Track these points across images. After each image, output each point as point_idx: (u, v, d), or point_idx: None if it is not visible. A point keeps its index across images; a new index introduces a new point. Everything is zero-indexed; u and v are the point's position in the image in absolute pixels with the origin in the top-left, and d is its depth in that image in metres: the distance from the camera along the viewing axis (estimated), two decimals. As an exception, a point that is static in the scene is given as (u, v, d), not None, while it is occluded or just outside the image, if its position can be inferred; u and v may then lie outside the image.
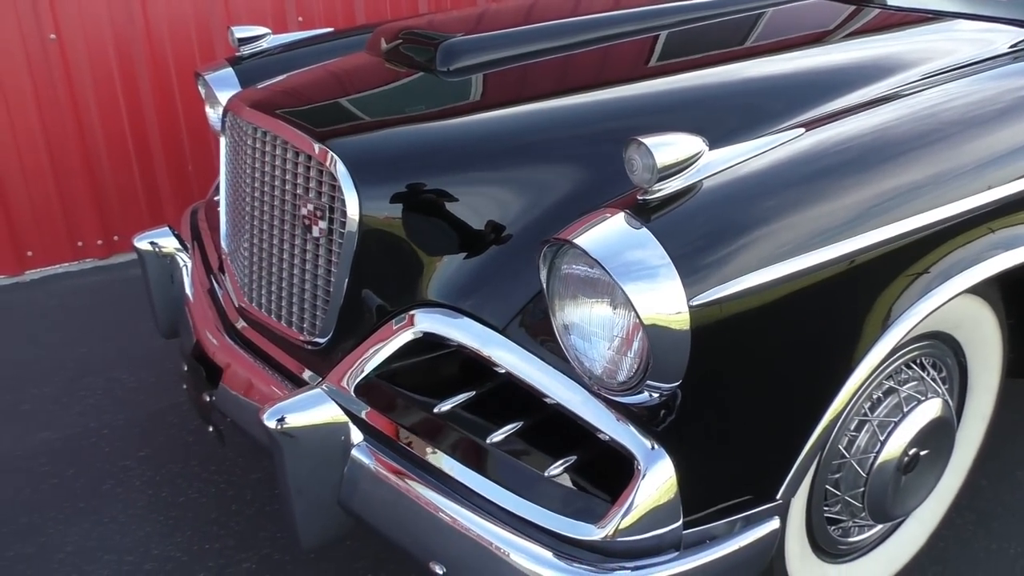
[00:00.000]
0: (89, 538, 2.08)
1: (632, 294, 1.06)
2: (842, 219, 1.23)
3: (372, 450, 1.40)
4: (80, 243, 3.67)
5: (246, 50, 2.45)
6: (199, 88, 2.49)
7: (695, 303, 1.09)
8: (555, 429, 1.36)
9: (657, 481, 1.17)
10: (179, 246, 2.18)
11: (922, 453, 1.50)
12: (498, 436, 1.35)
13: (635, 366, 1.12)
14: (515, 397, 1.42)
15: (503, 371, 1.36)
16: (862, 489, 1.47)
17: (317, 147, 1.49)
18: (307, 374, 1.60)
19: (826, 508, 1.54)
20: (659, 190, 1.15)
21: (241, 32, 2.42)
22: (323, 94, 1.74)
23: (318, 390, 1.41)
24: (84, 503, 2.20)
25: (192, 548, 2.03)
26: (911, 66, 1.69)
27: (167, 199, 3.77)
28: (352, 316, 1.53)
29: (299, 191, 1.56)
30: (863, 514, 1.52)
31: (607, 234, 1.12)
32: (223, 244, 2.00)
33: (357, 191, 1.45)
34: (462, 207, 1.48)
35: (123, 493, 2.23)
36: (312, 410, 1.38)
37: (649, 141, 1.11)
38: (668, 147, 1.12)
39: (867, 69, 1.68)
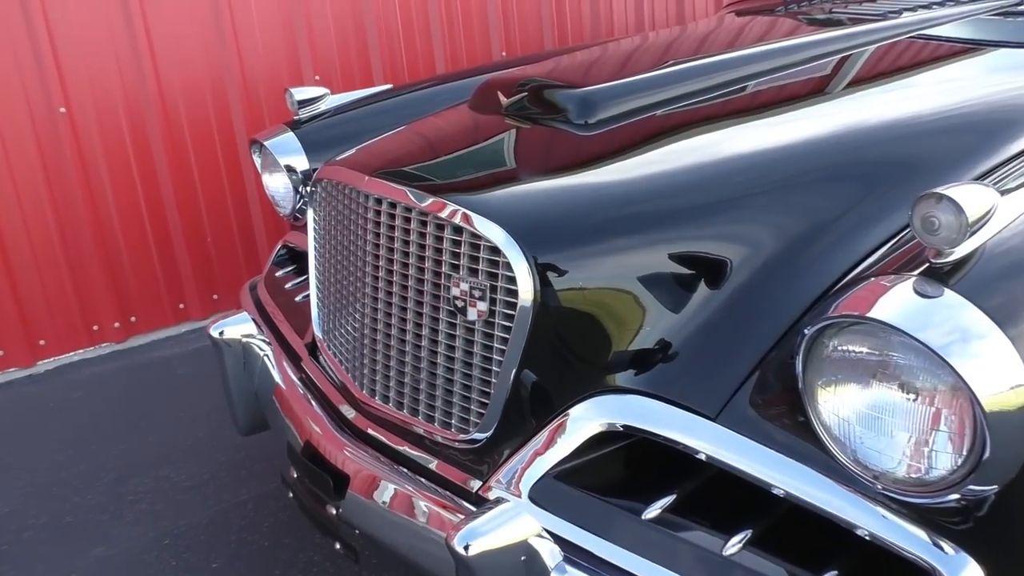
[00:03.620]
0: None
1: (963, 370, 0.88)
2: None
3: (576, 569, 1.19)
4: (96, 327, 3.40)
5: (305, 112, 2.26)
6: (253, 155, 2.30)
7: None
8: (792, 531, 1.17)
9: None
10: (255, 332, 1.96)
11: None
12: (733, 546, 1.14)
13: (959, 461, 0.93)
14: (730, 494, 1.23)
15: (719, 464, 1.17)
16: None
17: (476, 218, 1.30)
18: (462, 478, 1.38)
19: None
20: (956, 251, 0.97)
21: (301, 94, 2.24)
22: (446, 157, 1.55)
23: (511, 504, 1.20)
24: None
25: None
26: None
27: (186, 276, 3.53)
28: (520, 408, 1.33)
29: (445, 269, 1.36)
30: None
31: (906, 304, 0.94)
32: (317, 331, 1.79)
33: (529, 265, 1.26)
34: (650, 275, 1.29)
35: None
36: (507, 527, 1.17)
37: (953, 194, 0.94)
38: (971, 201, 0.95)
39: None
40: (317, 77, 3.72)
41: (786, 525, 1.18)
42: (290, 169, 2.16)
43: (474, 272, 1.33)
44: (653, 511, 1.22)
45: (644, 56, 1.85)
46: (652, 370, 1.27)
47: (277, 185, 2.22)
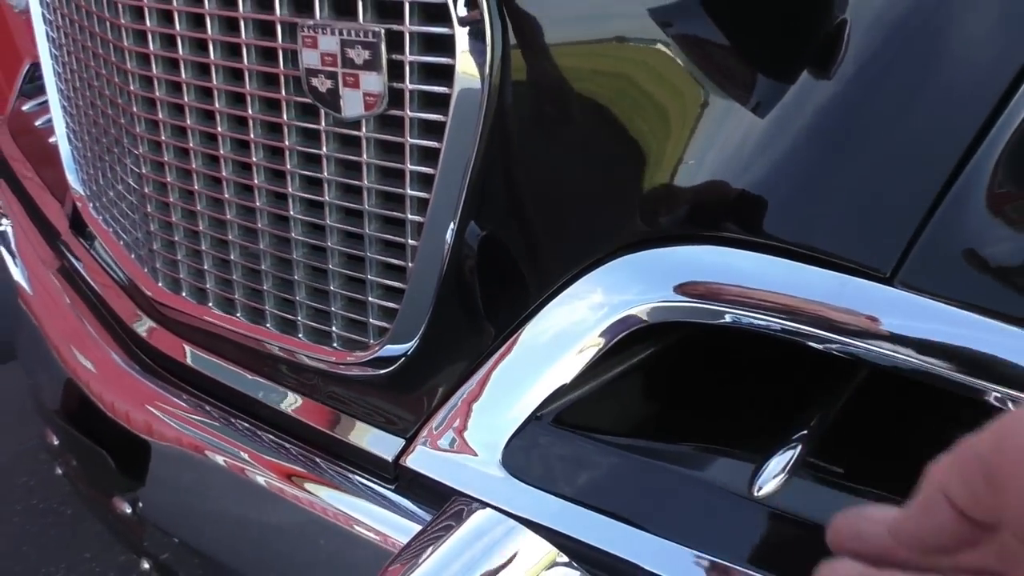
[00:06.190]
0: None
1: None
2: None
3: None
4: None
5: None
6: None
7: None
8: None
9: None
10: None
11: None
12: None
13: None
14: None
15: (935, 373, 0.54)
16: None
17: None
18: (366, 436, 0.71)
19: None
20: None
21: None
22: None
23: (485, 516, 0.54)
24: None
25: None
26: None
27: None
28: (469, 293, 0.65)
29: (284, 12, 0.63)
30: None
31: None
32: (77, 186, 1.03)
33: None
34: (716, 15, 0.60)
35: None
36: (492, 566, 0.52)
37: None
38: None
39: None
40: None
41: None
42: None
43: (344, 10, 0.60)
44: (770, 480, 0.59)
45: None
46: (732, 201, 0.60)
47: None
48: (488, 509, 0.53)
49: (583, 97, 0.60)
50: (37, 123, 1.36)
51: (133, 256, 0.89)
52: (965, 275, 0.55)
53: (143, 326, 0.89)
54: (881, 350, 0.54)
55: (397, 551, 0.55)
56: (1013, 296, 0.54)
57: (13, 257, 1.09)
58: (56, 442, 0.92)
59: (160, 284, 0.84)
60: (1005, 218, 0.55)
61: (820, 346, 0.57)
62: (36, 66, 1.51)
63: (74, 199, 1.02)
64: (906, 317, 0.54)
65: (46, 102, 1.44)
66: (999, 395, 0.55)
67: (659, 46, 0.60)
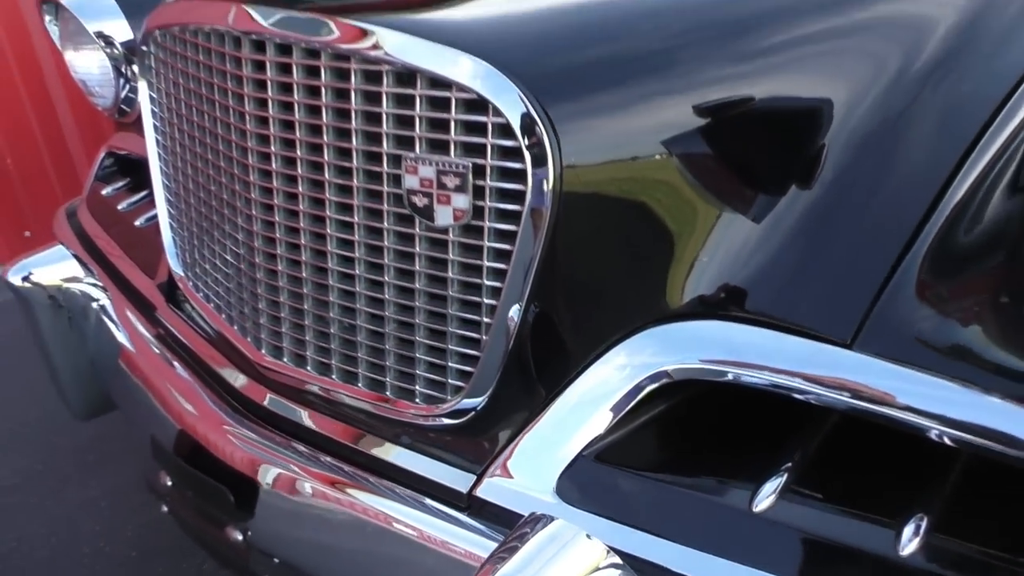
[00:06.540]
0: None
1: None
2: None
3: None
4: None
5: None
6: (47, 22, 1.62)
7: None
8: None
9: None
10: (80, 273, 1.36)
11: None
12: (908, 546, 0.72)
13: None
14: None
15: (883, 417, 0.74)
16: None
17: (461, 62, 0.77)
18: (443, 472, 0.89)
19: None
20: None
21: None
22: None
23: (558, 525, 0.72)
24: None
25: None
26: None
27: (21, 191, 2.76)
28: (531, 358, 0.84)
29: (389, 146, 0.83)
30: None
31: None
32: (175, 265, 1.22)
33: (541, 124, 0.75)
34: (720, 133, 0.81)
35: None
36: (558, 566, 0.69)
37: None
38: None
39: None
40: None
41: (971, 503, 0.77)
42: (106, 40, 1.52)
43: (439, 145, 0.80)
44: (764, 499, 0.78)
45: None
46: (733, 287, 0.81)
47: (88, 65, 1.56)
48: (559, 519, 0.71)
49: (620, 208, 0.81)
50: (120, 207, 1.55)
51: (236, 327, 1.08)
52: (903, 342, 0.75)
53: (238, 379, 1.08)
54: (842, 399, 0.73)
55: (486, 557, 0.73)
56: (940, 356, 0.74)
57: (115, 324, 1.27)
58: (169, 483, 1.09)
59: (263, 351, 1.03)
60: (931, 302, 0.75)
61: (800, 396, 0.77)
62: (109, 156, 1.71)
63: (175, 277, 1.21)
64: (860, 375, 0.73)
65: (123, 187, 1.65)
66: (936, 431, 0.74)
67: (677, 169, 0.80)
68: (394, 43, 0.80)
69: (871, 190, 0.81)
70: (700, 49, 0.83)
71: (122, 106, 1.58)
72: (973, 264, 0.78)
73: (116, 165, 1.73)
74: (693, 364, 0.81)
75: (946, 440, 0.73)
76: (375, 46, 0.81)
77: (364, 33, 0.81)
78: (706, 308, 0.81)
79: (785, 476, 0.79)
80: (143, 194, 1.59)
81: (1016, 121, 0.84)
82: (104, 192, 1.64)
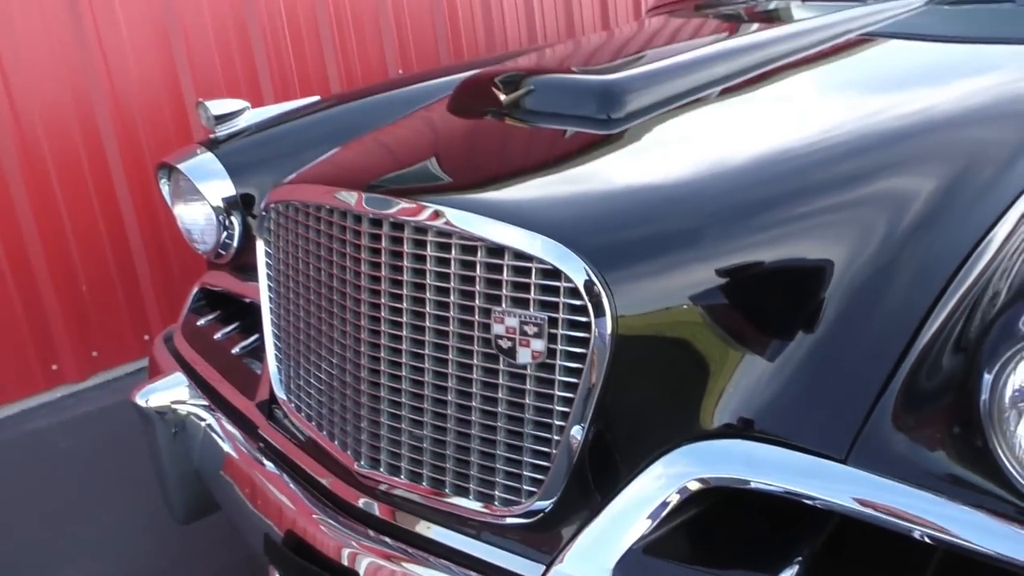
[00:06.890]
0: None
1: None
2: None
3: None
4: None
5: (222, 130, 1.90)
6: (161, 183, 1.92)
7: None
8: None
9: None
10: (187, 395, 1.59)
11: None
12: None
13: None
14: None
15: (869, 518, 0.95)
16: None
17: (521, 234, 1.03)
18: (518, 563, 1.10)
19: None
20: None
21: (218, 107, 1.89)
22: (448, 166, 1.27)
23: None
24: None
25: None
26: None
27: (58, 331, 3.02)
28: (591, 468, 1.06)
29: (480, 303, 1.07)
30: None
31: None
32: (278, 389, 1.45)
33: (601, 287, 1.00)
34: (740, 289, 1.06)
35: None
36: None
37: None
38: None
39: None
40: (200, 99, 3.31)
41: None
42: (212, 197, 1.80)
43: (521, 303, 1.05)
44: (781, 585, 0.98)
45: (630, 49, 1.63)
46: (751, 412, 1.04)
47: (195, 216, 1.85)
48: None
49: (661, 348, 1.04)
50: (215, 336, 1.79)
51: (336, 442, 1.30)
52: (884, 459, 0.96)
53: (336, 486, 1.29)
54: (838, 503, 0.94)
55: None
56: (912, 470, 0.95)
57: (221, 439, 1.49)
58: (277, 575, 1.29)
59: (361, 463, 1.24)
60: (903, 429, 0.97)
61: (808, 502, 0.98)
62: (202, 291, 1.97)
63: (277, 399, 1.44)
64: (852, 485, 0.95)
65: (215, 319, 1.90)
66: (919, 533, 0.94)
67: (706, 318, 1.04)
68: (486, 228, 1.06)
69: (856, 338, 1.05)
70: (724, 226, 1.09)
71: (220, 250, 1.85)
72: (932, 401, 1.00)
73: (204, 299, 2.00)
74: (721, 475, 1.02)
75: (925, 539, 0.94)
76: (470, 229, 1.06)
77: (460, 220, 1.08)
78: (730, 429, 1.04)
79: (795, 568, 0.99)
80: (232, 327, 1.84)
81: (971, 280, 1.09)
82: (198, 323, 1.89)
